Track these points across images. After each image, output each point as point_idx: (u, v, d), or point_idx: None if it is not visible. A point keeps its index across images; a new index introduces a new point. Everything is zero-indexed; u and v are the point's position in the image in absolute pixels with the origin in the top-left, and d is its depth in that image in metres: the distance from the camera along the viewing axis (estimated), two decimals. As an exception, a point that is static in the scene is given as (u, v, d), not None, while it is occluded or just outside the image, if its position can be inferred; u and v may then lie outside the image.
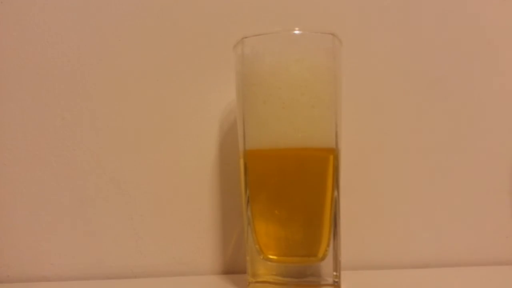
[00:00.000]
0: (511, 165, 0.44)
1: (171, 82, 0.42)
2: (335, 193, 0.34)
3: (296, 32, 0.33)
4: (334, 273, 0.33)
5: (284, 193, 0.33)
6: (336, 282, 0.33)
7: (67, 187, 0.41)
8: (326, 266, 0.33)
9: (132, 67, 0.42)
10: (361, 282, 0.38)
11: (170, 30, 0.43)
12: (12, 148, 0.41)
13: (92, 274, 0.41)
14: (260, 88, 0.33)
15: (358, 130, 0.43)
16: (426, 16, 0.45)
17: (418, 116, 0.44)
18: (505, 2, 0.45)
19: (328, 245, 0.34)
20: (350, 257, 0.41)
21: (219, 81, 0.42)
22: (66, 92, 0.42)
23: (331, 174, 0.34)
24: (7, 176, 0.41)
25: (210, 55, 0.43)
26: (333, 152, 0.34)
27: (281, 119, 0.32)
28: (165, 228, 0.42)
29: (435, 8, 0.45)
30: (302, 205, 0.34)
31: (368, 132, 0.44)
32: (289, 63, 0.33)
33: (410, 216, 0.43)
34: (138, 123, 0.42)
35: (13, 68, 0.41)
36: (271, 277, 0.34)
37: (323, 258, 0.33)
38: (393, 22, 0.44)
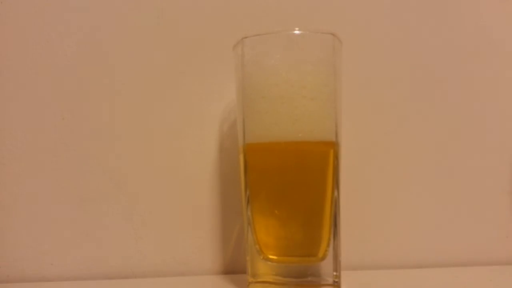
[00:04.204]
0: (511, 165, 0.44)
1: (171, 82, 0.42)
2: (335, 192, 0.34)
3: (296, 32, 0.33)
4: (334, 273, 0.33)
5: (284, 192, 0.34)
6: (336, 282, 0.33)
7: (67, 187, 0.41)
8: (326, 266, 0.33)
9: (132, 67, 0.42)
10: (361, 282, 0.38)
11: (170, 30, 0.43)
12: (12, 148, 0.41)
13: (92, 274, 0.41)
14: (259, 86, 0.33)
15: (358, 130, 0.43)
16: (426, 16, 0.45)
17: (418, 116, 0.44)
18: (505, 2, 0.45)
19: (328, 245, 0.34)
20: (350, 257, 0.41)
21: (219, 81, 0.42)
22: (66, 92, 0.42)
23: (331, 169, 0.34)
24: (7, 176, 0.41)
25: (210, 55, 0.43)
26: (333, 146, 0.34)
27: (280, 114, 0.32)
28: (165, 228, 0.42)
29: (435, 8, 0.45)
30: (302, 205, 0.34)
31: (368, 132, 0.44)
32: (289, 63, 0.33)
33: (410, 216, 0.43)
34: (138, 123, 0.42)
35: (13, 68, 0.41)
36: (271, 277, 0.34)
37: (323, 258, 0.33)
38: (393, 22, 0.44)
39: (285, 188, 0.33)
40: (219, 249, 0.42)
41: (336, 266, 0.34)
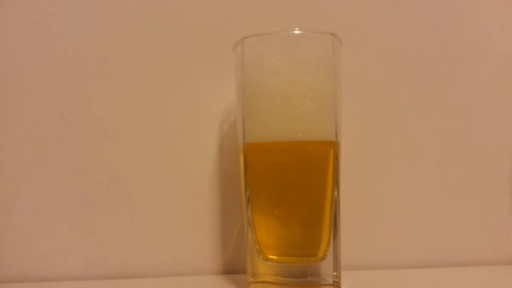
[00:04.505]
0: (511, 165, 0.44)
1: (171, 82, 0.42)
2: (335, 192, 0.34)
3: (296, 32, 0.33)
4: (334, 273, 0.34)
5: (284, 192, 0.34)
6: (336, 282, 0.33)
7: (67, 187, 0.41)
8: (326, 266, 0.33)
9: (132, 67, 0.42)
10: (361, 282, 0.38)
11: (170, 30, 0.43)
12: (12, 148, 0.41)
13: (92, 274, 0.41)
14: (259, 86, 0.33)
15: (358, 130, 0.43)
16: (426, 16, 0.45)
17: (418, 116, 0.44)
18: (505, 2, 0.45)
19: (328, 245, 0.34)
20: (350, 257, 0.41)
21: (219, 81, 0.42)
22: (66, 92, 0.42)
23: (331, 169, 0.34)
24: (7, 176, 0.41)
25: (210, 55, 0.43)
26: (333, 146, 0.34)
27: (280, 113, 0.32)
28: (165, 228, 0.42)
29: (435, 8, 0.45)
30: (302, 205, 0.34)
31: (368, 132, 0.44)
32: (289, 63, 0.33)
33: (410, 216, 0.43)
34: (138, 123, 0.42)
35: (13, 68, 0.41)
36: (271, 277, 0.34)
37: (323, 258, 0.33)
38: (393, 22, 0.44)
39: (285, 188, 0.33)
40: (219, 249, 0.42)
41: (336, 266, 0.34)
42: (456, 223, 0.44)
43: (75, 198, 0.41)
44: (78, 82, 0.42)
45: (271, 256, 0.34)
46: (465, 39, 0.45)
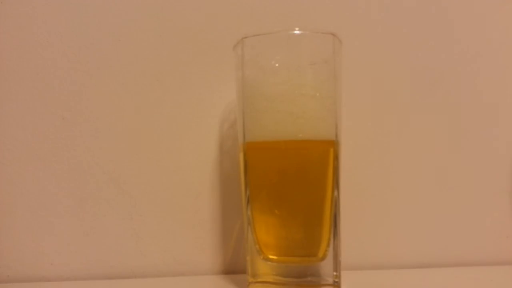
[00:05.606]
0: (511, 165, 0.44)
1: (171, 82, 0.42)
2: (335, 192, 0.34)
3: (296, 32, 0.33)
4: (334, 273, 0.34)
5: (284, 192, 0.34)
6: (336, 282, 0.33)
7: (67, 187, 0.41)
8: (326, 266, 0.33)
9: (132, 67, 0.42)
10: (361, 282, 0.38)
11: (170, 30, 0.43)
12: (12, 148, 0.41)
13: (92, 274, 0.41)
14: (259, 85, 0.33)
15: (358, 130, 0.43)
16: (426, 16, 0.45)
17: (418, 116, 0.44)
18: (506, 2, 0.45)
19: (328, 245, 0.34)
20: (350, 257, 0.41)
21: (219, 81, 0.42)
22: (66, 92, 0.42)
23: (331, 168, 0.34)
24: (7, 176, 0.41)
25: (210, 55, 0.43)
26: (333, 145, 0.34)
27: (280, 112, 0.32)
28: (165, 228, 0.42)
29: (435, 8, 0.45)
30: (302, 205, 0.34)
31: (368, 132, 0.44)
32: (289, 63, 0.33)
33: (410, 216, 0.43)
34: (138, 123, 0.42)
35: (13, 68, 0.41)
36: (271, 277, 0.34)
37: (323, 258, 0.33)
38: (393, 22, 0.44)
39: (285, 188, 0.33)
40: (219, 249, 0.42)
41: (336, 266, 0.34)
42: (456, 223, 0.44)
43: (75, 198, 0.41)
44: (78, 82, 0.42)
45: (271, 256, 0.34)
46: (465, 39, 0.45)
